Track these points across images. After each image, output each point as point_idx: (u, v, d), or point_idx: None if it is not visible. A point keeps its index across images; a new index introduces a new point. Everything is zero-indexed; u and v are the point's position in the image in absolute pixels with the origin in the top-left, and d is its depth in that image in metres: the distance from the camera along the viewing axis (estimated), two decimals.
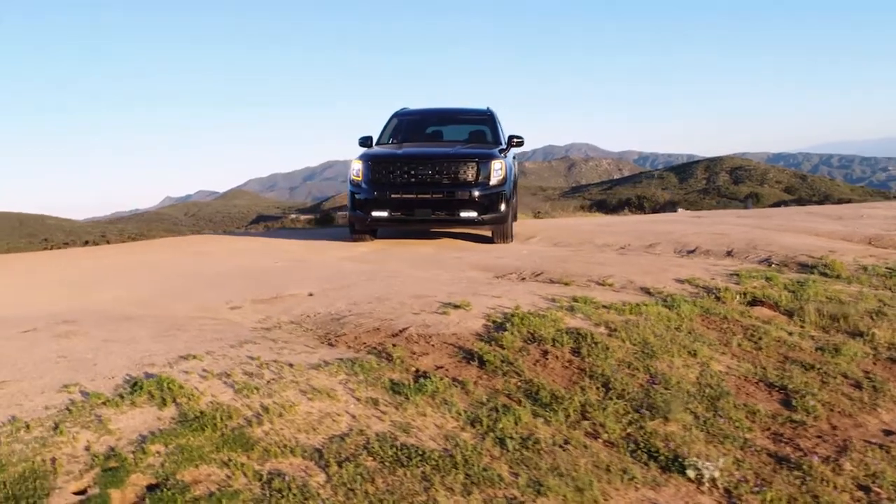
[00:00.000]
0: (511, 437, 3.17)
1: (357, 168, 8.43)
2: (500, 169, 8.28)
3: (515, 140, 9.22)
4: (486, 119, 9.86)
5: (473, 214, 8.15)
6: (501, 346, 4.12)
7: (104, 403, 3.14)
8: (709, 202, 54.73)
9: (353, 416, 3.22)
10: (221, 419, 3.05)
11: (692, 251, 7.79)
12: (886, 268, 6.71)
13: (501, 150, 8.76)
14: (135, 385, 3.34)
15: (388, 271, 6.51)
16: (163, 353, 3.84)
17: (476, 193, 8.12)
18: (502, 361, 3.93)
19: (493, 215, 8.26)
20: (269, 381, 3.47)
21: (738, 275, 6.26)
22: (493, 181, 8.22)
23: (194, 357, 3.76)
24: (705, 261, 7.26)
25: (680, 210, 29.01)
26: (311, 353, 3.96)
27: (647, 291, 5.70)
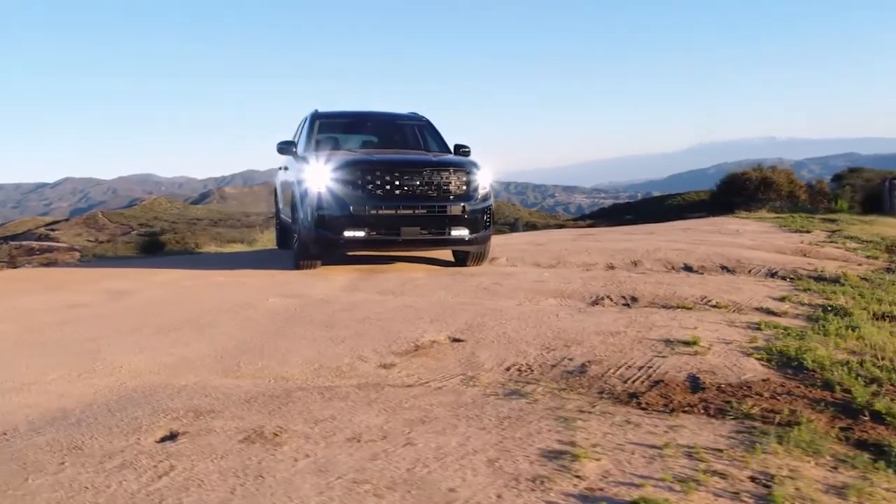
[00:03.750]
0: None
1: (318, 176, 6.77)
2: (486, 181, 7.22)
3: (463, 150, 8.16)
4: (424, 125, 8.67)
5: (465, 233, 6.99)
6: (873, 395, 3.20)
7: None
8: None
9: None
10: None
11: (689, 268, 7.42)
12: (879, 277, 6.88)
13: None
14: None
15: (459, 305, 5.18)
16: (511, 458, 2.37)
17: (467, 208, 6.96)
18: None
19: (484, 233, 7.17)
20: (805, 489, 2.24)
21: (809, 290, 5.97)
22: (480, 194, 7.14)
23: (592, 456, 2.36)
24: (724, 277, 6.91)
25: None
26: (701, 429, 2.72)
27: (770, 312, 5.14)
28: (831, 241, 10.11)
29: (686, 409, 2.99)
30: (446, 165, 7.01)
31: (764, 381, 3.36)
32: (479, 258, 7.54)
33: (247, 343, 4.05)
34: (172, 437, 2.54)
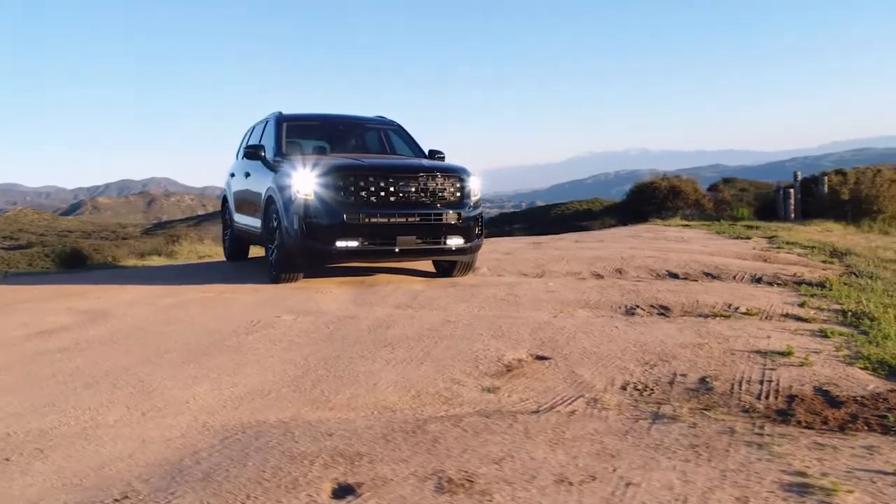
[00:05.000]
0: None
1: (305, 182, 6.25)
2: (478, 187, 6.92)
3: (438, 155, 7.84)
4: (396, 129, 8.26)
5: (460, 241, 6.64)
6: None
7: None
8: None
9: None
10: None
11: (675, 275, 7.38)
12: (857, 282, 7.06)
13: None
14: None
15: (499, 319, 4.85)
16: (757, 495, 2.11)
17: (463, 216, 6.63)
18: None
19: (476, 242, 6.86)
20: None
21: (815, 295, 6.02)
22: (473, 201, 6.82)
23: (842, 489, 2.12)
24: (721, 284, 6.90)
25: None
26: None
27: (799, 318, 5.13)
28: (778, 248, 10.42)
29: (850, 426, 2.80)
30: (440, 171, 6.65)
31: (892, 391, 3.23)
32: (468, 268, 7.22)
33: (309, 368, 3.56)
34: (349, 490, 2.09)
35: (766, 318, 5.11)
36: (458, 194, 6.70)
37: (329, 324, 4.65)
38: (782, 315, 5.20)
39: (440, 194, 6.57)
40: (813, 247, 10.53)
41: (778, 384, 3.28)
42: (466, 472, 2.22)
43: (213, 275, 7.77)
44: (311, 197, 6.25)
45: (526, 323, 4.63)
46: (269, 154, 7.30)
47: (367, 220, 6.26)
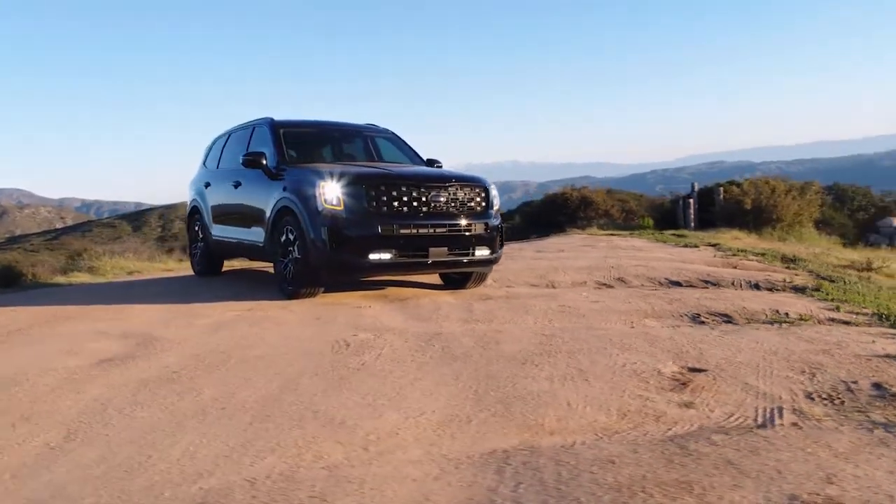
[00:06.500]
0: None
1: (334, 192, 5.91)
2: (498, 198, 6.79)
3: (437, 164, 7.68)
4: (393, 138, 7.99)
5: (487, 252, 6.50)
6: None
7: None
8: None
9: None
10: None
11: (677, 283, 7.54)
12: (845, 287, 7.47)
13: None
14: None
15: (592, 330, 4.75)
16: None
17: (489, 226, 6.50)
18: None
19: (499, 253, 6.73)
20: None
21: (836, 300, 6.29)
22: (495, 211, 6.70)
23: None
24: (732, 292, 7.09)
25: None
26: None
27: (845, 322, 5.33)
28: (734, 255, 10.88)
29: None
30: (466, 181, 6.48)
31: None
32: (482, 279, 7.08)
33: (476, 389, 3.33)
34: None
35: (820, 322, 5.26)
36: (483, 204, 6.56)
37: (428, 341, 4.38)
38: (829, 320, 5.38)
39: (468, 204, 6.41)
40: (763, 254, 11.08)
41: None
42: (819, 494, 2.10)
43: (205, 291, 7.18)
44: (341, 207, 5.93)
45: (624, 335, 4.55)
46: (270, 161, 6.85)
47: (400, 231, 6.00)
